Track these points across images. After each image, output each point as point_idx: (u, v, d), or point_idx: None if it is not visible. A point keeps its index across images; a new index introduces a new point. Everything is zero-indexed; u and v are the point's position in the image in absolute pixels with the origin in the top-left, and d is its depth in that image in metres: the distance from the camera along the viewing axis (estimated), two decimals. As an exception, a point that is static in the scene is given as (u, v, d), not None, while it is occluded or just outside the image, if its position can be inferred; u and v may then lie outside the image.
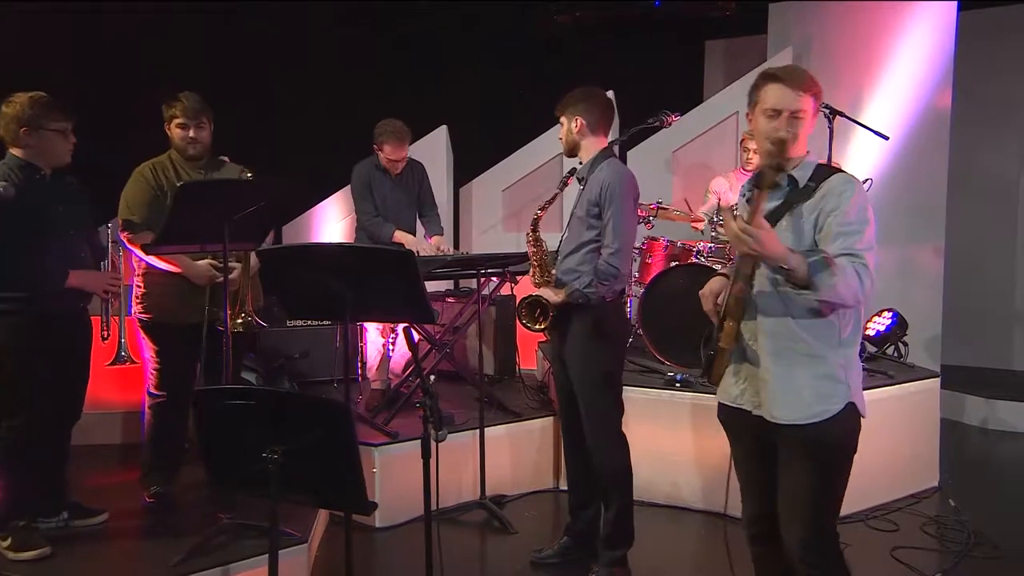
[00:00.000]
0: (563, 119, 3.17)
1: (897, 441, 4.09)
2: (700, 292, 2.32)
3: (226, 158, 3.58)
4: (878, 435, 4.03)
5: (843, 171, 2.24)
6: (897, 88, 5.55)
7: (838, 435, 2.18)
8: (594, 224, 3.10)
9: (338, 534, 3.61)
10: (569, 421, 3.30)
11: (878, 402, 4.07)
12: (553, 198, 3.25)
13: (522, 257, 3.81)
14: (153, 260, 3.28)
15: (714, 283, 2.34)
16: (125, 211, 3.31)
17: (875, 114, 5.46)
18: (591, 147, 3.16)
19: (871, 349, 4.72)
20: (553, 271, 3.18)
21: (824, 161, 4.13)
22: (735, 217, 2.02)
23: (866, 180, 4.60)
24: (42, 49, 4.65)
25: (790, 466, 2.20)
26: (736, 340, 2.20)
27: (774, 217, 2.16)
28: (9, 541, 2.90)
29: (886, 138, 4.14)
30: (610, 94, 5.55)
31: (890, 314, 4.89)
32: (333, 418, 1.96)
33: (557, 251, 3.21)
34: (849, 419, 2.20)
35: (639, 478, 3.90)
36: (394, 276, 2.38)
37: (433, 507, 3.80)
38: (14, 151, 2.98)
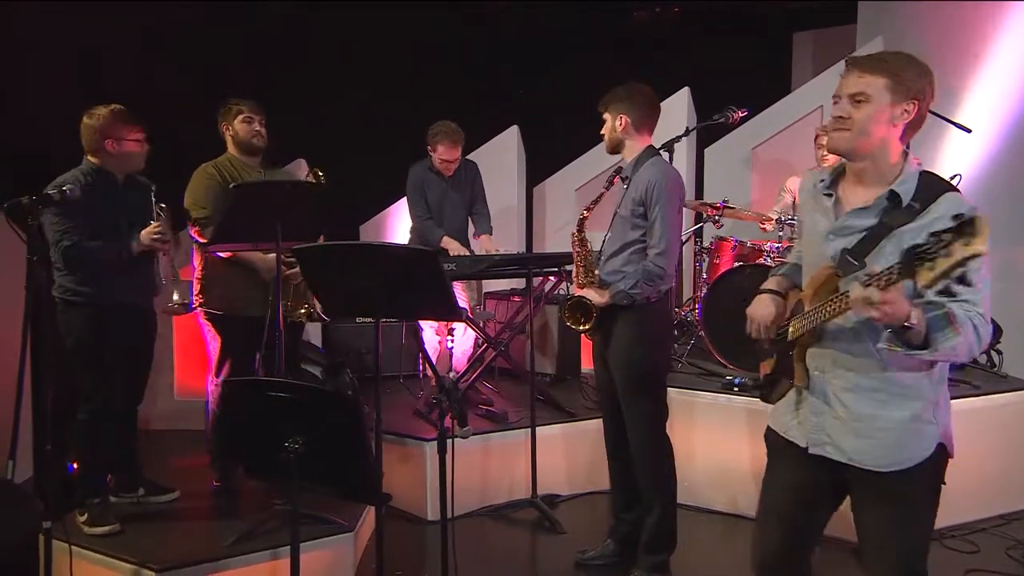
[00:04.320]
0: (607, 115, 3.13)
1: (982, 456, 3.82)
2: (750, 313, 2.12)
3: (304, 163, 3.70)
4: (959, 450, 3.73)
5: (954, 189, 1.88)
6: (998, 79, 5.15)
7: (925, 480, 1.94)
8: (639, 224, 3.05)
9: (390, 524, 3.72)
10: (612, 423, 3.27)
11: (959, 414, 3.75)
12: (599, 198, 3.21)
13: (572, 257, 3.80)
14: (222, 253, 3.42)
15: (765, 307, 2.10)
16: (195, 208, 3.45)
17: (972, 107, 5.10)
18: (635, 146, 3.11)
19: (960, 358, 4.41)
20: (596, 271, 3.16)
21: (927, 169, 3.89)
22: (869, 282, 1.67)
23: (954, 176, 4.32)
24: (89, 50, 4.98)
25: (867, 509, 1.99)
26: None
27: (870, 241, 1.86)
28: (86, 516, 3.16)
29: (969, 131, 3.86)
30: (684, 92, 5.51)
31: (982, 320, 4.54)
32: (343, 411, 2.02)
33: (600, 251, 3.18)
34: (937, 462, 1.95)
35: (694, 484, 3.84)
36: (420, 275, 2.42)
37: (484, 503, 3.90)
38: (92, 159, 3.24)
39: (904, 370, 1.88)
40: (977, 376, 4.13)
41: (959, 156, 5.06)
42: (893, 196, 1.87)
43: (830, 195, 1.99)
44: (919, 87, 1.90)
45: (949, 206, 1.79)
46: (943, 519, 3.60)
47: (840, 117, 1.89)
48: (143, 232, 3.15)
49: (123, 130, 3.21)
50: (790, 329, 2.04)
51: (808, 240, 2.07)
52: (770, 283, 2.19)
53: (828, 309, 1.87)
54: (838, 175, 2.02)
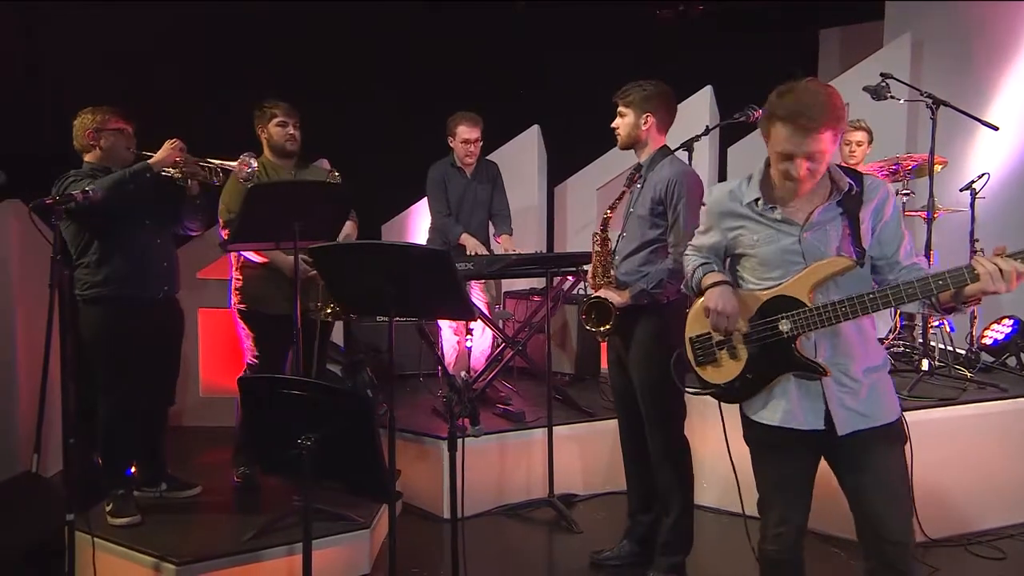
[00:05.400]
0: (628, 110, 3.05)
1: (1009, 461, 3.74)
2: (720, 307, 2.19)
3: (326, 163, 3.77)
4: (985, 454, 3.70)
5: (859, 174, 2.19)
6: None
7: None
8: (658, 223, 3.02)
9: (408, 522, 3.75)
10: (628, 425, 3.25)
11: (986, 416, 3.74)
12: (621, 196, 3.19)
13: (589, 257, 3.79)
14: (251, 255, 3.54)
15: (733, 299, 2.20)
16: (225, 212, 3.55)
17: (1002, 105, 5.00)
18: (652, 145, 3.09)
19: (987, 359, 4.33)
20: (612, 272, 3.14)
21: (924, 156, 3.86)
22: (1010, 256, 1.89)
23: (983, 175, 4.25)
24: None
25: (878, 460, 2.14)
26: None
27: (853, 230, 2.10)
28: (111, 506, 3.24)
29: (996, 129, 3.79)
30: (707, 90, 5.46)
31: (1011, 321, 4.46)
32: (354, 409, 2.04)
33: (615, 251, 3.16)
34: None
35: (712, 485, 3.80)
36: (432, 274, 2.44)
37: (501, 502, 3.91)
38: (87, 158, 3.31)
39: (872, 340, 2.20)
40: (1005, 379, 4.05)
41: (987, 154, 4.97)
42: (851, 189, 2.11)
43: (774, 207, 2.14)
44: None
45: (876, 187, 2.13)
46: (967, 524, 3.61)
47: (808, 170, 2.04)
48: (164, 153, 3.18)
49: (100, 123, 3.27)
50: (784, 327, 2.11)
51: (771, 247, 2.16)
52: (718, 275, 2.26)
53: (902, 292, 1.99)
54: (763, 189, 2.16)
